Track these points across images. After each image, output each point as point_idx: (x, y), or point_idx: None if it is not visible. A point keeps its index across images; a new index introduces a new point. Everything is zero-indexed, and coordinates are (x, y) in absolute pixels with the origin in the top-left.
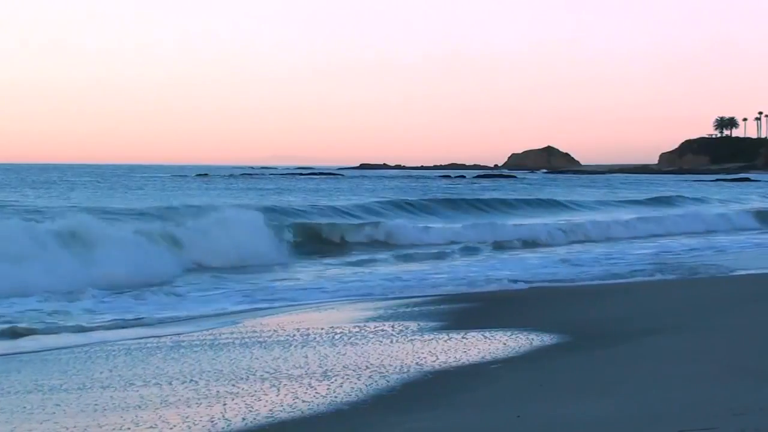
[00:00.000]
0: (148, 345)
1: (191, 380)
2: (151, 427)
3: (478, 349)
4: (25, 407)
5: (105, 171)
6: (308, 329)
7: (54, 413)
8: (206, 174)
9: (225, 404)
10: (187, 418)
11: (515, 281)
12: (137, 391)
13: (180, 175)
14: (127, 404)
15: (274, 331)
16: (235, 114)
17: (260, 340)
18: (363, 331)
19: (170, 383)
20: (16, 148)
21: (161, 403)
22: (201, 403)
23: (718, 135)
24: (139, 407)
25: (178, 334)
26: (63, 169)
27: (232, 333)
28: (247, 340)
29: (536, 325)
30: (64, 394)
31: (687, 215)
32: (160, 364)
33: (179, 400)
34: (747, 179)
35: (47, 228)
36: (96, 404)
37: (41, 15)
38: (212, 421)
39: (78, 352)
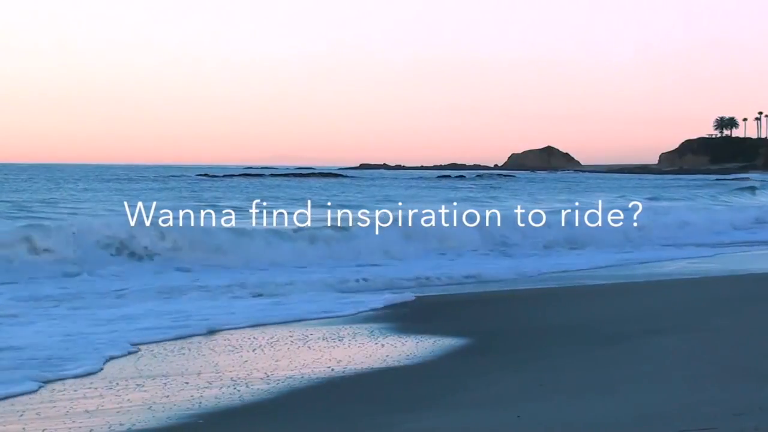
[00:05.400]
0: None
1: None
2: None
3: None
4: None
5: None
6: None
7: None
8: (206, 174)
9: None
10: None
11: None
12: None
13: (175, 176)
14: None
15: None
16: (236, 115)
17: None
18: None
19: None
20: (16, 148)
21: None
22: None
23: (718, 135)
24: None
25: None
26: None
27: None
28: None
29: (536, 324)
30: None
31: None
32: None
33: None
34: (747, 179)
35: None
36: None
37: (40, 14)
38: None
39: None
